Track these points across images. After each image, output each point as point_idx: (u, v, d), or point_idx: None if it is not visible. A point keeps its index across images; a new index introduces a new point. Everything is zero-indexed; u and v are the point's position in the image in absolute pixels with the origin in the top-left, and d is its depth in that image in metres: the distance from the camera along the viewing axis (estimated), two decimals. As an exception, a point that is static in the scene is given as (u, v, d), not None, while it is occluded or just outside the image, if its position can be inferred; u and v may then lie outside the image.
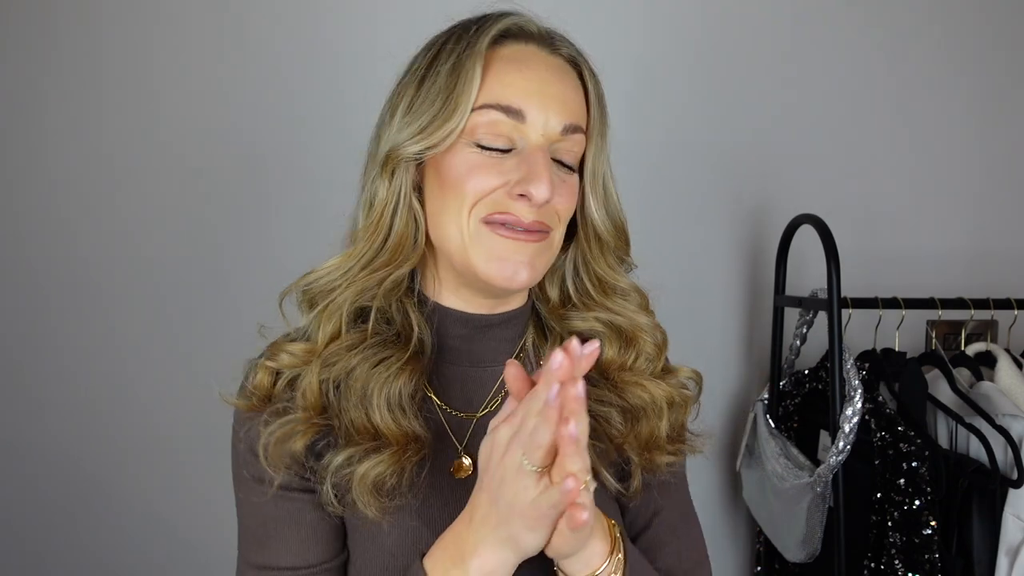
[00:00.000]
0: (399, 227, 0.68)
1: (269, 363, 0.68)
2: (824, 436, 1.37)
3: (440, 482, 0.68)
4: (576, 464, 0.51)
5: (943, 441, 1.38)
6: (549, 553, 0.57)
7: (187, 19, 1.48)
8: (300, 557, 0.66)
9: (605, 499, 0.72)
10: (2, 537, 1.49)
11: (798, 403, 1.48)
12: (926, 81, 1.70)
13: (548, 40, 0.70)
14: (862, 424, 1.29)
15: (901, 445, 1.29)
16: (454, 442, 0.71)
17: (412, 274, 0.72)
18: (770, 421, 1.44)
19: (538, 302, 0.77)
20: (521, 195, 0.64)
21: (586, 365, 0.50)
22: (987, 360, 1.41)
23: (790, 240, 1.47)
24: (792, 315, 1.50)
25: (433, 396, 0.71)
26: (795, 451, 1.37)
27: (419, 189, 0.69)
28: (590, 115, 0.70)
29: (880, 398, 1.35)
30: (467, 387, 0.72)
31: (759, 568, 1.57)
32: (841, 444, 1.23)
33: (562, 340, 0.74)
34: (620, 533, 0.62)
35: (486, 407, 0.73)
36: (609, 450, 0.72)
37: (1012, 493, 1.25)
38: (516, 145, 0.66)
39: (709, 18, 1.62)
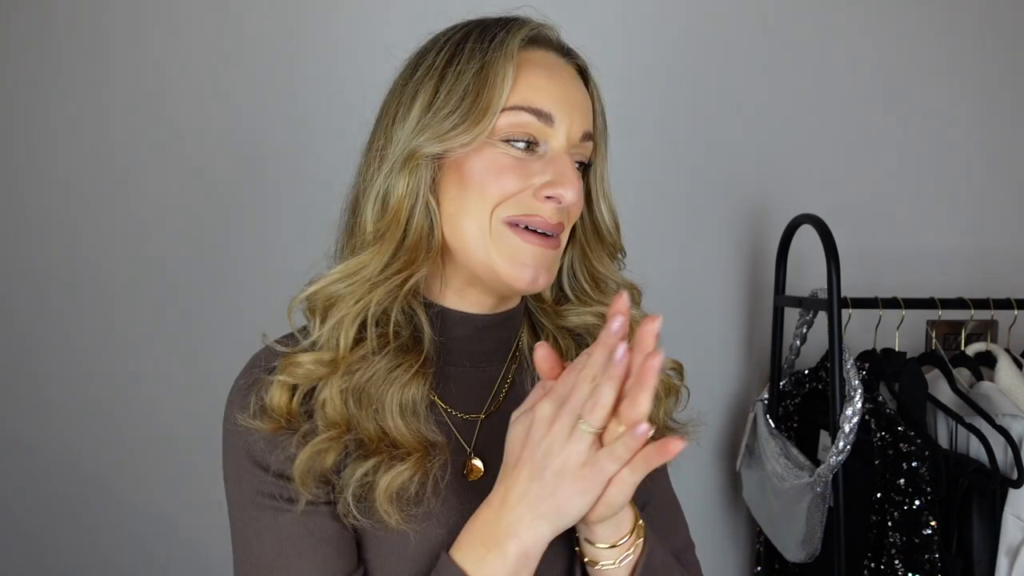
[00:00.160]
0: (416, 226, 0.67)
1: (285, 378, 0.65)
2: (824, 436, 1.37)
3: (454, 485, 0.68)
4: (646, 404, 0.54)
5: (943, 441, 1.38)
6: (591, 517, 0.59)
7: (188, 19, 1.48)
8: (328, 573, 0.64)
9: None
10: (4, 536, 1.49)
11: (798, 403, 1.48)
12: (926, 81, 1.70)
13: (565, 49, 0.72)
14: (862, 424, 1.29)
15: (901, 445, 1.29)
16: (462, 444, 0.71)
17: None
18: (770, 421, 1.44)
19: (530, 301, 0.78)
20: (548, 197, 0.65)
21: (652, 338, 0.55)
22: (987, 360, 1.41)
23: (790, 240, 1.47)
24: (792, 315, 1.50)
25: (437, 400, 0.71)
26: (795, 451, 1.37)
27: (435, 188, 0.68)
28: (596, 123, 0.72)
29: (880, 398, 1.35)
30: (470, 388, 0.72)
31: (759, 568, 1.57)
32: (841, 444, 1.23)
33: (553, 338, 0.76)
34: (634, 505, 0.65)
35: (489, 408, 0.73)
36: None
37: (1012, 493, 1.25)
38: (540, 148, 0.67)
39: (709, 17, 1.62)
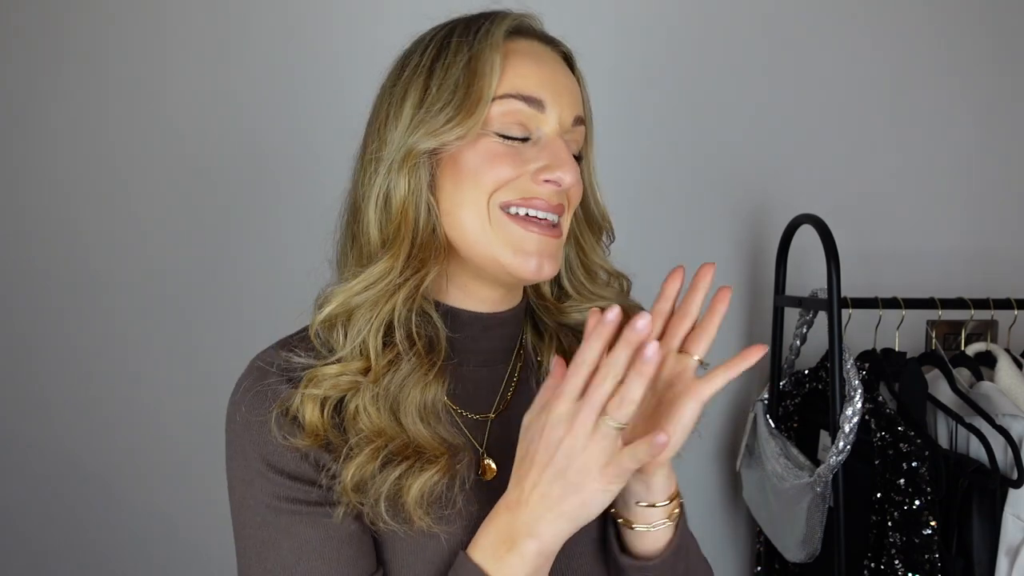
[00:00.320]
0: (423, 226, 0.66)
1: (314, 391, 0.63)
2: (824, 436, 1.37)
3: (472, 486, 0.68)
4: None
5: (943, 441, 1.38)
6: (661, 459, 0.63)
7: (188, 20, 1.48)
8: (345, 574, 0.63)
9: None
10: (4, 537, 1.49)
11: (798, 403, 1.48)
12: (926, 81, 1.70)
13: (549, 38, 0.72)
14: (862, 424, 1.29)
15: (901, 445, 1.29)
16: (475, 445, 0.71)
17: None
18: (770, 421, 1.44)
19: (533, 299, 0.77)
20: (546, 181, 0.65)
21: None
22: (987, 360, 1.41)
23: (790, 240, 1.47)
24: (792, 315, 1.50)
25: (448, 401, 0.70)
26: (795, 451, 1.37)
27: (432, 186, 0.67)
28: (585, 111, 0.72)
29: (880, 398, 1.35)
30: (478, 388, 0.72)
31: (759, 568, 1.57)
32: (841, 444, 1.23)
33: (557, 338, 0.76)
34: None
35: (498, 406, 0.73)
36: None
37: (1012, 493, 1.25)
38: (533, 135, 0.67)
39: (709, 18, 1.62)
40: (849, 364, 1.27)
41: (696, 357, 0.64)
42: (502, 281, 0.69)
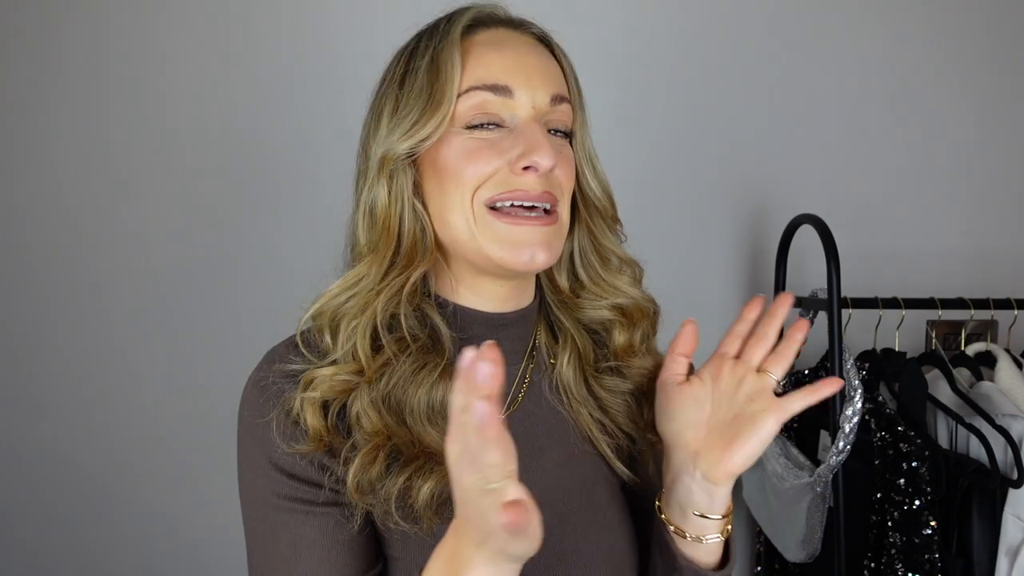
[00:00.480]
0: (408, 231, 0.67)
1: (312, 395, 0.63)
2: (824, 436, 1.37)
3: None
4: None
5: (943, 441, 1.37)
6: (733, 469, 0.64)
7: (188, 20, 1.48)
8: (339, 574, 0.64)
9: (612, 491, 0.73)
10: (2, 537, 1.49)
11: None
12: (926, 81, 1.70)
13: (517, 22, 0.72)
14: (862, 424, 1.29)
15: (901, 445, 1.29)
16: None
17: (425, 278, 0.71)
18: (770, 421, 1.44)
19: (548, 293, 0.76)
20: (525, 168, 0.64)
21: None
22: (987, 360, 1.41)
23: (790, 240, 1.47)
24: (792, 315, 1.50)
25: None
26: (795, 451, 1.37)
27: (418, 191, 0.68)
28: (570, 88, 0.71)
29: (880, 398, 1.35)
30: None
31: (759, 568, 1.57)
32: (841, 444, 1.23)
33: (573, 339, 0.75)
34: None
35: (508, 408, 0.72)
36: (622, 443, 0.74)
37: (1012, 493, 1.25)
38: (508, 123, 0.66)
39: (709, 18, 1.62)
40: (849, 364, 1.27)
41: (775, 377, 0.67)
42: (502, 276, 0.69)
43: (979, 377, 1.39)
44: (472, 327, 0.70)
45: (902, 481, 1.27)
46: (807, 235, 1.39)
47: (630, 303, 0.75)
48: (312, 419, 0.63)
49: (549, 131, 0.68)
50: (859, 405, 1.24)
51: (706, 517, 0.66)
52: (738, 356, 0.69)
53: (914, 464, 1.27)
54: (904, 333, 1.42)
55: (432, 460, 0.63)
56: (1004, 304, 1.38)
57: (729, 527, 0.68)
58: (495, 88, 0.65)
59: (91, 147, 1.47)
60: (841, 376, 1.27)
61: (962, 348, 1.45)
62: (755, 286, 1.66)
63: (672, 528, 0.68)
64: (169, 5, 1.47)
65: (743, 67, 1.63)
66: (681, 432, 0.68)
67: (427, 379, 0.65)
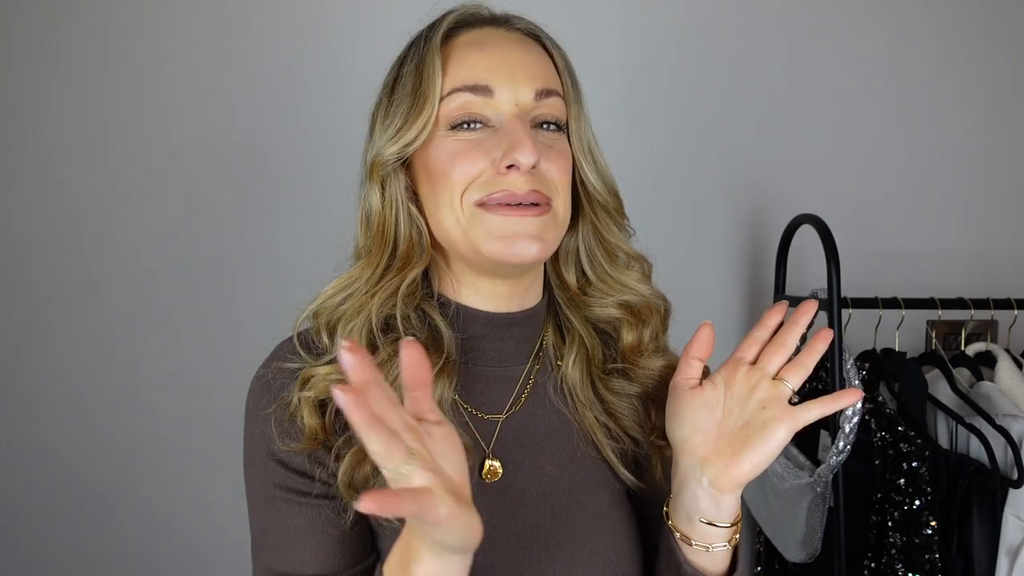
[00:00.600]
0: (404, 234, 0.68)
1: (308, 394, 0.64)
2: (824, 436, 1.37)
3: (474, 487, 0.68)
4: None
5: (943, 441, 1.37)
6: (740, 478, 0.64)
7: (188, 20, 1.48)
8: (327, 565, 0.65)
9: (615, 496, 0.73)
10: (4, 537, 1.49)
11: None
12: (926, 81, 1.70)
13: (502, 20, 0.71)
14: (862, 424, 1.29)
15: (901, 445, 1.29)
16: (482, 445, 0.70)
17: (428, 278, 0.72)
18: (770, 421, 1.44)
19: (557, 291, 0.76)
20: (509, 167, 0.64)
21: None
22: (987, 360, 1.41)
23: (790, 240, 1.47)
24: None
25: (458, 399, 0.70)
26: (795, 451, 1.36)
27: (414, 195, 0.69)
28: (562, 82, 0.70)
29: (880, 398, 1.35)
30: (491, 388, 0.72)
31: (759, 568, 1.57)
32: (841, 444, 1.23)
33: (580, 339, 0.74)
34: None
35: (510, 408, 0.72)
36: (627, 447, 0.73)
37: (1012, 493, 1.25)
38: (492, 123, 0.66)
39: (708, 18, 1.62)
40: (849, 364, 1.27)
41: (791, 386, 0.65)
42: (499, 274, 0.69)
43: (979, 377, 1.39)
44: (474, 326, 0.71)
45: (902, 481, 1.27)
46: (807, 235, 1.39)
47: (639, 300, 0.74)
48: (309, 418, 0.64)
49: (541, 124, 0.67)
50: (859, 405, 1.24)
51: (714, 525, 0.66)
52: (755, 362, 0.67)
53: (914, 464, 1.27)
54: (904, 333, 1.42)
55: None
56: (1004, 304, 1.38)
57: (737, 536, 0.67)
58: (475, 88, 0.65)
59: (91, 147, 1.47)
60: (841, 376, 1.27)
61: (962, 348, 1.45)
62: (755, 286, 1.66)
63: (678, 535, 0.67)
64: (169, 5, 1.47)
65: (743, 67, 1.63)
66: (689, 437, 0.66)
67: None
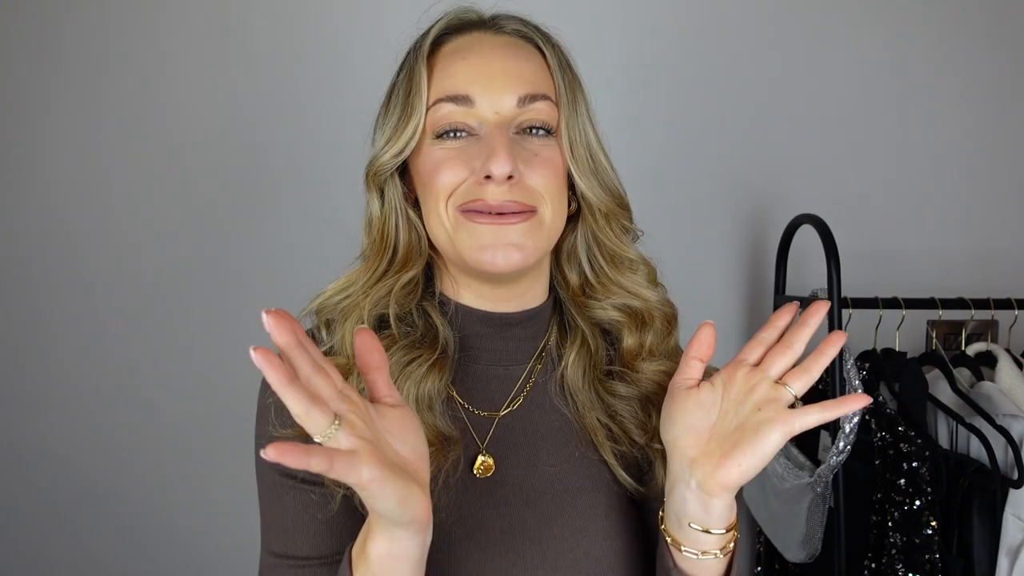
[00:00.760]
0: (403, 239, 0.70)
1: None
2: (824, 436, 1.37)
3: (463, 481, 0.68)
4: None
5: (943, 441, 1.37)
6: (730, 482, 0.59)
7: (188, 20, 1.48)
8: (316, 548, 0.67)
9: (613, 499, 0.72)
10: (4, 538, 1.49)
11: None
12: (926, 81, 1.70)
13: (491, 23, 0.71)
14: (862, 424, 1.29)
15: (901, 445, 1.28)
16: (476, 441, 0.71)
17: (431, 278, 0.73)
18: (770, 421, 1.44)
19: (561, 291, 0.76)
20: (487, 177, 0.64)
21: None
22: (987, 360, 1.41)
23: (790, 240, 1.47)
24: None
25: (456, 395, 0.71)
26: (795, 451, 1.37)
27: (415, 201, 0.72)
28: (555, 83, 0.69)
29: (880, 398, 1.35)
30: (489, 386, 0.72)
31: (759, 568, 1.57)
32: (841, 444, 1.23)
33: (583, 338, 0.74)
34: None
35: (508, 406, 0.73)
36: (628, 450, 0.72)
37: (1012, 493, 1.25)
38: (476, 131, 0.67)
39: (708, 18, 1.62)
40: (849, 364, 1.27)
41: (794, 391, 0.60)
42: (485, 279, 0.70)
43: (979, 377, 1.39)
44: (473, 326, 0.72)
45: (902, 481, 1.27)
46: (807, 235, 1.39)
47: (640, 304, 0.73)
48: None
49: (528, 129, 0.67)
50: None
51: (707, 532, 0.62)
52: (759, 363, 0.64)
53: (914, 464, 1.27)
54: (904, 333, 1.42)
55: None
56: (1004, 304, 1.38)
57: (731, 544, 0.63)
58: (456, 99, 0.66)
59: (91, 147, 1.47)
60: (842, 376, 1.27)
61: (962, 348, 1.44)
62: (755, 286, 1.66)
63: (669, 540, 0.64)
64: (169, 5, 1.47)
65: (743, 67, 1.63)
66: (680, 437, 0.63)
67: (416, 372, 0.67)
